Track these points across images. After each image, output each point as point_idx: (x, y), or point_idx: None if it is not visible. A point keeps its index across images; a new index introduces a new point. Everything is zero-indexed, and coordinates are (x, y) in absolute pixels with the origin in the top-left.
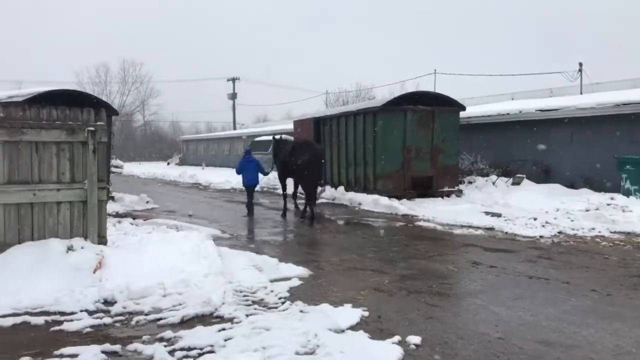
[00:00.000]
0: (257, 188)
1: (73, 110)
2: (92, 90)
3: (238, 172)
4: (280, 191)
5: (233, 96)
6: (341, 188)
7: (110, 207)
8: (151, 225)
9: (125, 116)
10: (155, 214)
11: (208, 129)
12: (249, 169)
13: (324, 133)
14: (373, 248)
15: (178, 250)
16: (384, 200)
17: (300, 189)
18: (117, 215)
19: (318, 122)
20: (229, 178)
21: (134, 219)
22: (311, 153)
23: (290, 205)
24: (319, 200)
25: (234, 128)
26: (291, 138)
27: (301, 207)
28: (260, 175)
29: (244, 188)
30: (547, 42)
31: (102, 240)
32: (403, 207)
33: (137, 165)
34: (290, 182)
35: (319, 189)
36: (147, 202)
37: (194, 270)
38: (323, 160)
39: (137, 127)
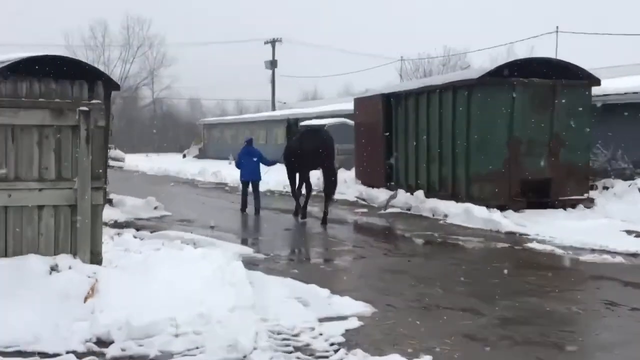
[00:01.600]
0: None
1: (61, 84)
2: (85, 57)
3: (237, 165)
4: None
5: (272, 64)
6: (420, 193)
7: (107, 213)
8: (161, 240)
9: (128, 91)
10: (167, 224)
11: (238, 110)
12: (248, 161)
13: (397, 116)
14: (464, 279)
15: (196, 274)
16: (481, 211)
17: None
18: (116, 224)
19: (389, 101)
20: (265, 177)
21: (137, 230)
22: (318, 141)
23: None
24: (388, 210)
25: (273, 108)
26: (351, 122)
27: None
28: (265, 169)
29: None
30: None
31: (95, 258)
32: (507, 221)
33: (143, 157)
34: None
35: (389, 193)
36: (156, 207)
37: (217, 301)
38: (327, 151)
39: (143, 106)
